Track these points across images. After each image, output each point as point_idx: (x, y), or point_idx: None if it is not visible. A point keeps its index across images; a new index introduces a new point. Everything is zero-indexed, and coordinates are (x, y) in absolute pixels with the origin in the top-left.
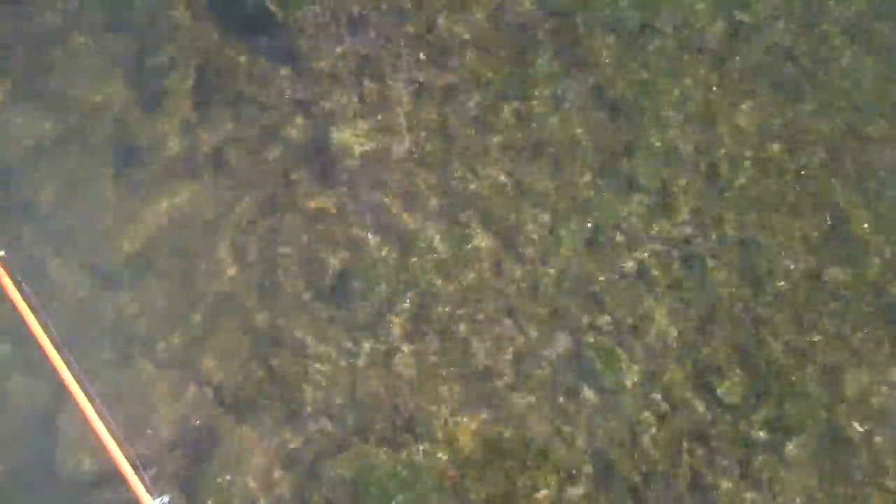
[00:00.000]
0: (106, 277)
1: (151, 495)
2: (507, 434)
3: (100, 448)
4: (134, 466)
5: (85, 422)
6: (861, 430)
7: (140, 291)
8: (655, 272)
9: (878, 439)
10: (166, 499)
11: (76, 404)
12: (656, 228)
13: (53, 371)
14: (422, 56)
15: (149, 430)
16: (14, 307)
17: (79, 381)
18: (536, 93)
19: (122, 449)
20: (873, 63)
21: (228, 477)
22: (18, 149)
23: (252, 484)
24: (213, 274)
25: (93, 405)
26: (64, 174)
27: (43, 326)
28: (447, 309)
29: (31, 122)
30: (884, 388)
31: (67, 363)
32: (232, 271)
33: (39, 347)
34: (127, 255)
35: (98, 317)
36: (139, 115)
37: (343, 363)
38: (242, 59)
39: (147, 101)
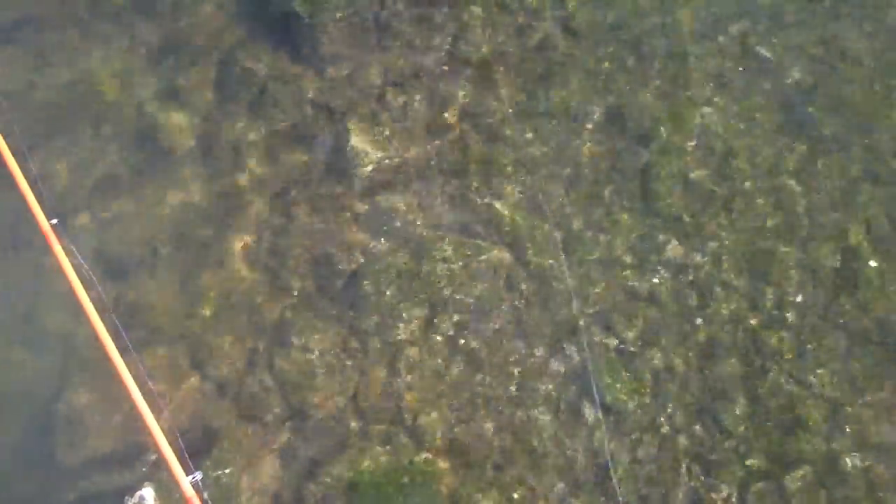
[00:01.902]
0: (116, 265)
1: (186, 473)
2: (508, 445)
3: (136, 424)
4: (173, 443)
5: (125, 392)
6: (860, 464)
7: (147, 281)
8: (665, 296)
9: (876, 475)
10: (199, 475)
11: (118, 374)
12: (668, 253)
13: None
14: (445, 68)
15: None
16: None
17: (124, 355)
18: (557, 111)
19: (161, 425)
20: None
21: (228, 470)
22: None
23: (249, 479)
24: (221, 267)
25: (135, 378)
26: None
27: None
28: (456, 318)
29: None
30: (885, 427)
31: (114, 335)
32: (240, 266)
33: (86, 316)
34: (137, 243)
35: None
36: (158, 104)
37: (349, 363)
38: (266, 57)
39: (167, 92)
